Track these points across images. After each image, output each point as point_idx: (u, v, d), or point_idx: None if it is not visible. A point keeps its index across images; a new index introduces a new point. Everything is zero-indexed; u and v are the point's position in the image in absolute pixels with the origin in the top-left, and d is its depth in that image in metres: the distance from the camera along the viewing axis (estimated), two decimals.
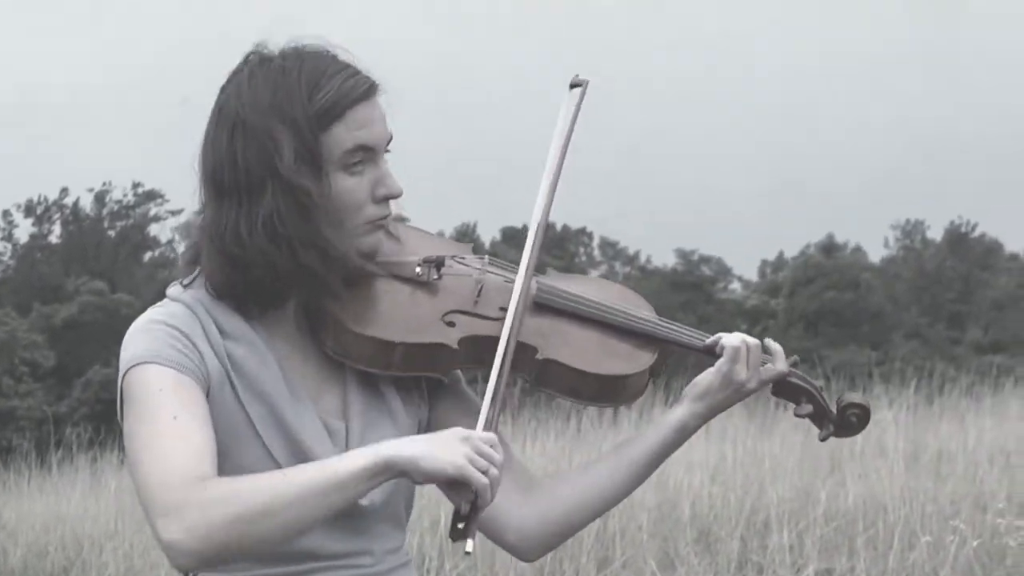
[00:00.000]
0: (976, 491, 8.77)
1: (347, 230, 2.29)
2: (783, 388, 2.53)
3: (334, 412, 2.35)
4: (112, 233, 59.30)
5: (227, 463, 2.21)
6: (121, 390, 2.24)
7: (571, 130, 2.47)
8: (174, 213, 58.13)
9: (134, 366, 2.22)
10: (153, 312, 2.30)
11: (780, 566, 7.59)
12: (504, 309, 2.37)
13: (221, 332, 2.29)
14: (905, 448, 10.22)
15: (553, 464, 10.01)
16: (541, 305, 2.44)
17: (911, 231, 55.70)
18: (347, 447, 2.29)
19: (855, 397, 2.55)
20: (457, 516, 2.13)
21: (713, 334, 2.51)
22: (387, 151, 2.33)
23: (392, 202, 2.35)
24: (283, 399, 2.29)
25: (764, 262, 62.25)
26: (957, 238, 52.80)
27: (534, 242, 2.41)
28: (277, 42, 2.32)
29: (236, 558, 2.16)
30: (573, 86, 2.51)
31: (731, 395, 2.47)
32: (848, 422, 2.56)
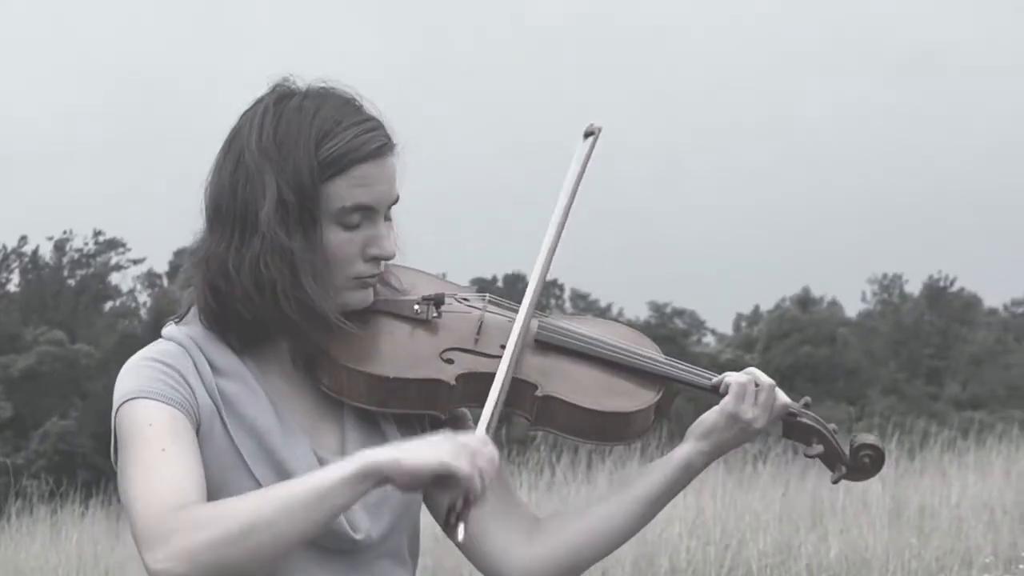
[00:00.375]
0: (962, 547, 8.78)
1: (334, 283, 2.29)
2: (794, 429, 2.52)
3: (331, 449, 2.33)
4: (72, 282, 58.98)
5: (215, 497, 2.18)
6: (114, 428, 2.25)
7: (581, 177, 2.49)
8: (136, 262, 57.94)
9: (125, 402, 2.23)
10: (146, 350, 2.31)
11: None
12: (503, 347, 2.37)
13: (213, 368, 2.29)
14: (888, 503, 10.23)
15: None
16: (543, 343, 2.45)
17: (889, 285, 55.90)
18: None
19: (868, 438, 2.53)
20: (450, 510, 2.12)
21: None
22: (387, 216, 2.32)
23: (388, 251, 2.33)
24: (274, 433, 2.28)
25: (739, 315, 62.40)
26: (935, 292, 52.96)
27: (538, 280, 2.42)
28: (307, 78, 2.32)
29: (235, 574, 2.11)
30: (587, 135, 2.53)
31: (738, 434, 2.44)
32: (861, 464, 2.53)
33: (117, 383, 2.26)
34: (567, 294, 64.15)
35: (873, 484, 11.24)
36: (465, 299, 2.49)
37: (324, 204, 2.25)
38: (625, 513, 2.44)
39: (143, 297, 58.02)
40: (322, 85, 2.31)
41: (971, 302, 54.13)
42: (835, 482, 2.55)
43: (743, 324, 60.97)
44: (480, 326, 2.43)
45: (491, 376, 2.32)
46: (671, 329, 54.38)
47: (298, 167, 2.23)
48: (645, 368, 2.47)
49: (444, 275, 2.59)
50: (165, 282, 54.32)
